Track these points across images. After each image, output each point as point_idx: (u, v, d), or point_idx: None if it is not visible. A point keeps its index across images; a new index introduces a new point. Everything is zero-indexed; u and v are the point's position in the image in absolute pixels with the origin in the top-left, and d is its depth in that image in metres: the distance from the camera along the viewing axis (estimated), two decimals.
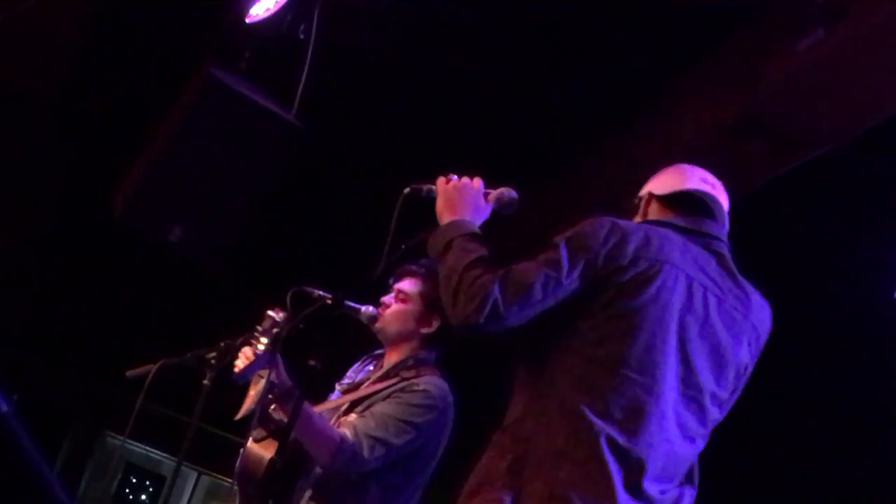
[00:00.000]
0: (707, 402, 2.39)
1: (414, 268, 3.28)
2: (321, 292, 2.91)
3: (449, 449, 3.18)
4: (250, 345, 2.88)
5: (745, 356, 2.48)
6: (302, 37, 4.43)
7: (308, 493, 3.02)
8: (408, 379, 3.13)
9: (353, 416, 3.07)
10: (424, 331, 3.25)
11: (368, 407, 3.08)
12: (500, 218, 2.61)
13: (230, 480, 3.56)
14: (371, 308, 3.21)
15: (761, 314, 2.53)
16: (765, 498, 6.47)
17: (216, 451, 6.48)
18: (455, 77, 5.11)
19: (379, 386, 3.15)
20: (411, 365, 3.20)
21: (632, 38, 4.58)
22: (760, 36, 4.23)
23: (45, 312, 7.61)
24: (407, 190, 2.66)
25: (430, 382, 3.13)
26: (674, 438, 2.32)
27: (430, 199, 2.58)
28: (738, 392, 2.52)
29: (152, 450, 8.90)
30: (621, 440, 2.22)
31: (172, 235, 4.59)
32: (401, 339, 3.25)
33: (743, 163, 4.31)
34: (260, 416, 2.94)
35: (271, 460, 2.88)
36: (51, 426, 8.18)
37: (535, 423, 2.27)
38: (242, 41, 4.53)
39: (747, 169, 4.31)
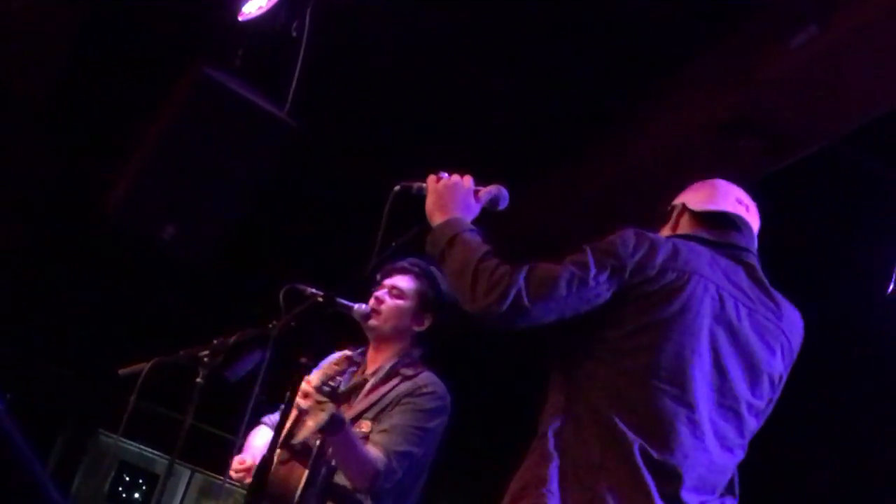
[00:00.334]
0: (744, 411, 2.37)
1: (406, 265, 3.28)
2: (313, 290, 2.91)
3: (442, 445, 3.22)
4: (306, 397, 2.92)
5: (778, 366, 2.46)
6: (294, 35, 4.43)
7: None
8: (409, 377, 3.15)
9: (365, 426, 3.09)
10: (417, 328, 3.26)
11: (379, 412, 3.10)
12: (490, 216, 2.60)
13: (222, 479, 3.56)
14: (364, 305, 3.21)
15: (793, 324, 2.51)
16: (765, 498, 6.46)
17: (209, 450, 6.48)
18: (446, 75, 5.11)
19: (384, 389, 3.16)
20: (409, 363, 3.21)
21: (625, 37, 4.58)
22: (753, 34, 4.24)
23: (38, 311, 7.58)
24: (397, 187, 2.64)
25: (433, 381, 3.16)
26: (712, 448, 2.30)
27: (421, 197, 2.56)
28: (774, 402, 2.50)
29: (145, 448, 8.88)
30: (654, 452, 2.21)
31: (165, 234, 4.59)
32: (394, 335, 3.25)
33: (736, 160, 4.31)
34: (284, 439, 3.00)
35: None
36: (44, 424, 8.17)
37: (571, 436, 2.26)
38: (235, 39, 4.53)
39: (741, 166, 4.31)
